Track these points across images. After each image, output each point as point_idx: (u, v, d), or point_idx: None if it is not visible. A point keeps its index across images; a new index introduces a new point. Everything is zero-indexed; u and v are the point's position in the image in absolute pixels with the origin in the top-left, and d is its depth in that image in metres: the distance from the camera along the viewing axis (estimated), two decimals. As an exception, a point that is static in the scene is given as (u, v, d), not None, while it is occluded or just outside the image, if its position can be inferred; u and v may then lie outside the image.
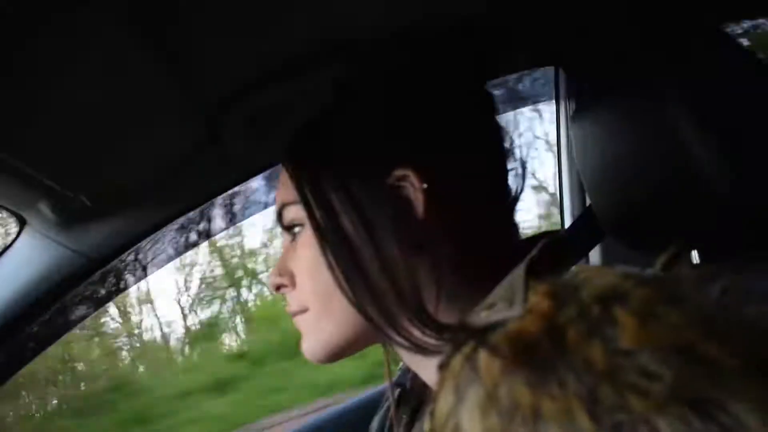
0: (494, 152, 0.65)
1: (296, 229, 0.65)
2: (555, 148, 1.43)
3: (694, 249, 0.79)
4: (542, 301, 0.41)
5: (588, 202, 1.18)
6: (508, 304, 0.44)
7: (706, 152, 0.69)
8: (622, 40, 1.00)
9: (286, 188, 0.65)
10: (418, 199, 0.57)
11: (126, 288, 1.22)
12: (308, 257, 0.63)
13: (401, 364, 0.83)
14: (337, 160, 0.60)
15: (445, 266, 0.58)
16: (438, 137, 0.60)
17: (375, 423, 0.83)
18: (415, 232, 0.56)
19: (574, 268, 0.45)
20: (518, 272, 0.47)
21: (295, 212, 0.64)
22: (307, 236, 0.63)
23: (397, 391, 0.77)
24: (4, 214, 0.93)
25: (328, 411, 1.59)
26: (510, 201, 0.65)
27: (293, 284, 0.66)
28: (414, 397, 0.74)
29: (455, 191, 0.59)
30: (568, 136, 1.38)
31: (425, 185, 0.57)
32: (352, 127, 0.61)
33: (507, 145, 0.66)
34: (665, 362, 0.35)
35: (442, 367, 0.45)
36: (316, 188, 0.60)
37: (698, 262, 0.78)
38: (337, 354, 0.64)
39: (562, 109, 1.38)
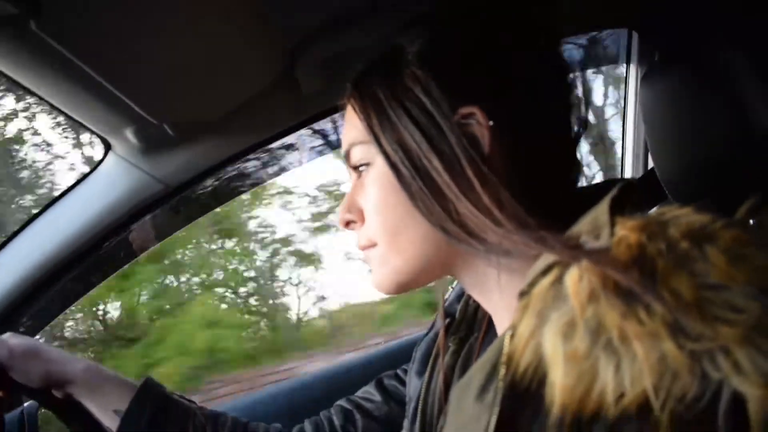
0: (558, 95, 0.65)
1: (363, 168, 0.66)
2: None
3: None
4: (631, 234, 0.43)
5: (651, 164, 1.19)
6: (594, 237, 0.46)
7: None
8: (695, 7, 0.99)
9: (353, 128, 0.66)
10: (483, 136, 0.58)
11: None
12: (376, 194, 0.64)
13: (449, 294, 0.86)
14: (406, 97, 0.60)
15: (507, 201, 0.58)
16: (505, 78, 0.61)
17: (422, 346, 0.86)
18: (481, 168, 0.57)
19: (657, 208, 0.47)
20: (601, 208, 0.48)
21: (363, 151, 0.65)
22: (374, 174, 0.64)
23: (446, 321, 0.79)
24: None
25: (372, 351, 1.64)
26: (572, 140, 0.66)
27: (362, 220, 0.67)
28: (463, 327, 0.77)
29: (519, 130, 0.60)
30: (635, 99, 1.37)
31: (491, 123, 0.58)
32: (422, 64, 0.61)
33: (572, 90, 0.66)
34: (752, 298, 0.38)
35: (523, 294, 0.48)
36: (386, 124, 0.61)
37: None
38: (403, 286, 0.66)
39: (632, 72, 1.37)
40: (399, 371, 1.00)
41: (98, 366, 0.90)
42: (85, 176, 1.09)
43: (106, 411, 0.89)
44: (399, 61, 0.63)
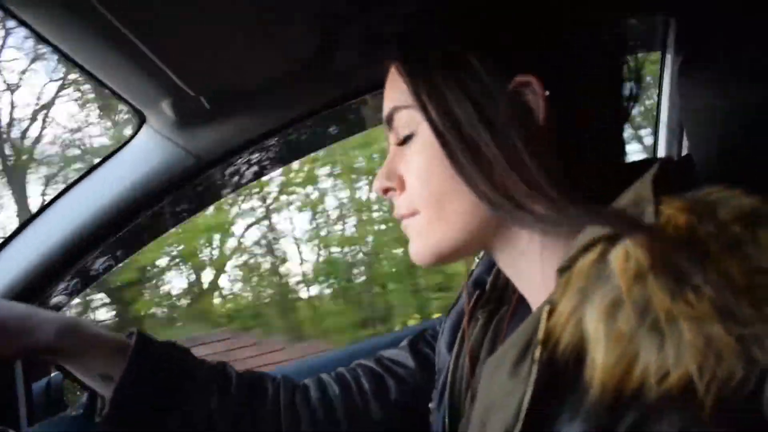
0: (610, 72, 0.62)
1: (406, 136, 0.63)
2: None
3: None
4: (678, 215, 0.43)
5: (685, 150, 1.18)
6: (638, 214, 0.45)
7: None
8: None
9: (396, 91, 0.63)
10: (539, 106, 0.55)
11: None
12: (421, 161, 0.61)
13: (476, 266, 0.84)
14: (458, 63, 0.57)
15: (558, 174, 0.54)
16: (561, 50, 0.58)
17: (451, 316, 0.84)
18: (533, 139, 0.54)
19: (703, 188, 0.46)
20: (644, 185, 0.47)
21: (407, 116, 0.62)
22: (419, 140, 0.61)
23: (476, 293, 0.78)
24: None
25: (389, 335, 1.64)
26: (621, 118, 0.63)
27: (402, 188, 0.65)
28: (493, 300, 0.76)
29: (573, 103, 0.57)
30: (670, 86, 1.36)
31: (548, 92, 0.55)
32: (478, 29, 0.57)
33: (623, 68, 0.62)
34: None
35: (563, 270, 0.47)
36: (434, 91, 0.58)
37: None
38: (444, 258, 0.64)
39: (668, 59, 1.35)
40: (427, 336, 0.96)
41: (76, 325, 0.78)
42: (117, 149, 1.09)
43: (92, 377, 0.79)
44: (452, 23, 0.59)
